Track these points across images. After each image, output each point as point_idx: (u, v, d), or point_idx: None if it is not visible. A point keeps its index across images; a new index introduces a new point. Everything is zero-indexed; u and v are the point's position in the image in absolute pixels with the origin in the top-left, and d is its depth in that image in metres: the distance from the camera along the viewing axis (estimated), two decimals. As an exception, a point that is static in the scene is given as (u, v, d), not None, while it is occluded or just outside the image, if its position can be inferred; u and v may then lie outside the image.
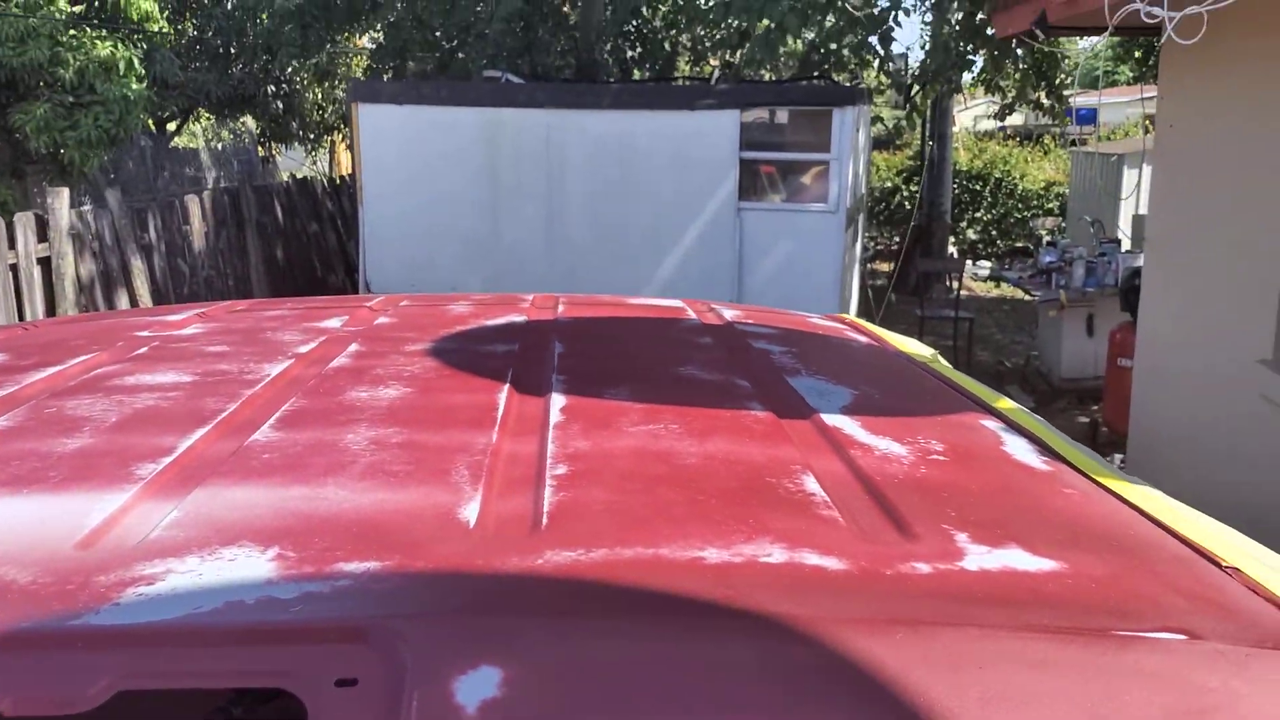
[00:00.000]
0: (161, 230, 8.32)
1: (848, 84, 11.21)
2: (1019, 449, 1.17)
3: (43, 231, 7.08)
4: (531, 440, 1.11)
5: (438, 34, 12.56)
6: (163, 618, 0.70)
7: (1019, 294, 11.52)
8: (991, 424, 1.27)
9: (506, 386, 1.33)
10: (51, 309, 7.06)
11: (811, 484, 0.99)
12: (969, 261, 15.40)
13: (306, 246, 10.88)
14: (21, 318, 6.82)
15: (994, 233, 15.88)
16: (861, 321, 2.04)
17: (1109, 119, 21.05)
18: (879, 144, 18.04)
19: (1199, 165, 4.87)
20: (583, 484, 0.97)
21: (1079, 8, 4.60)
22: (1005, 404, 1.39)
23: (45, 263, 7.06)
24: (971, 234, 15.89)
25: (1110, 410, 7.40)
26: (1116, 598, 0.79)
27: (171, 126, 18.99)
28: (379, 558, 0.80)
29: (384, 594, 0.75)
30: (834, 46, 11.11)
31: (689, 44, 14.32)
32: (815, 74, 11.11)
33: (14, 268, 6.75)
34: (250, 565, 0.78)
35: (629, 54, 13.58)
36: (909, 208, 15.31)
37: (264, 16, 13.19)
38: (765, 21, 8.60)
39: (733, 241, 7.79)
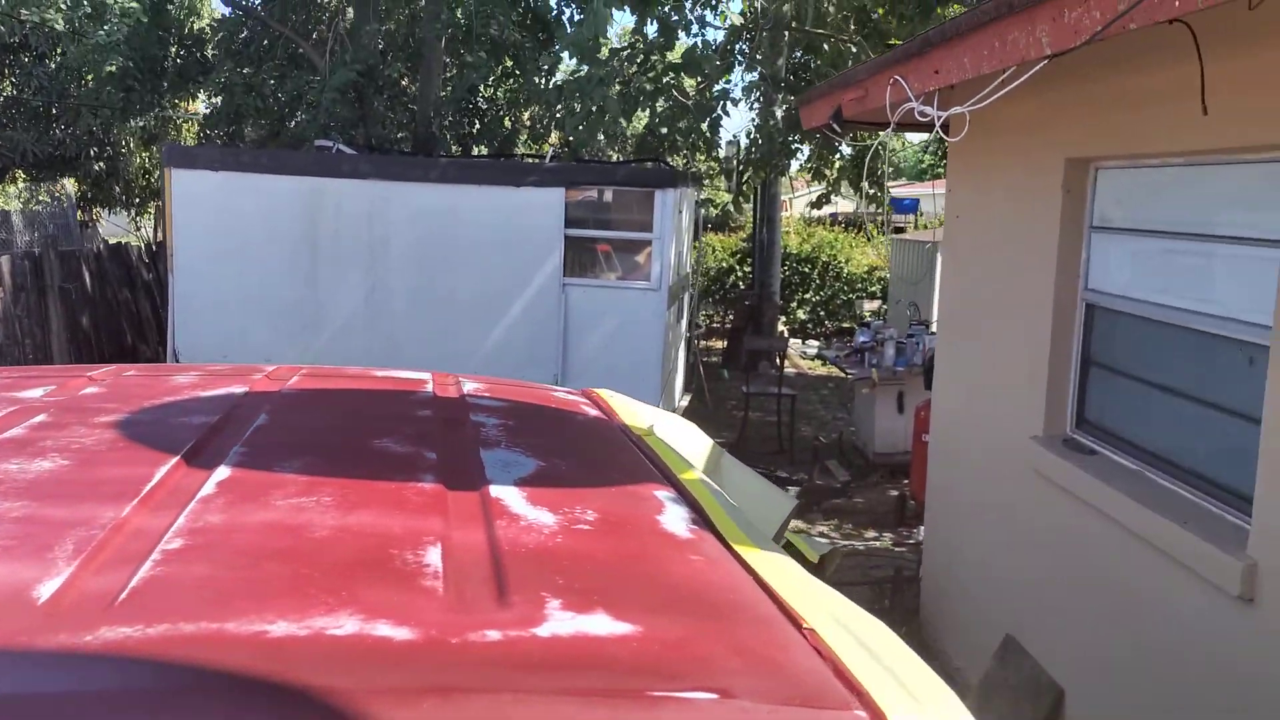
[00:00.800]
0: (-50, 295, 7.83)
1: (679, 166, 11.57)
2: (672, 519, 1.20)
3: None
4: (168, 514, 1.08)
5: (271, 101, 12.38)
6: None
7: (840, 371, 11.94)
8: (662, 495, 1.30)
9: (177, 459, 1.29)
10: None
11: (433, 556, 0.99)
12: (799, 340, 15.95)
13: (116, 314, 10.41)
14: None
15: (822, 313, 16.50)
16: (604, 395, 2.08)
17: (929, 209, 22.31)
18: (715, 226, 18.62)
19: (979, 252, 5.20)
20: (188, 559, 0.95)
21: (866, 105, 4.88)
22: (689, 476, 1.43)
23: None
24: (801, 314, 16.47)
25: (916, 483, 7.71)
26: (670, 659, 0.81)
27: (-17, 187, 18.03)
28: None
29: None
30: (665, 131, 11.46)
31: (528, 122, 14.54)
32: (649, 156, 11.42)
33: None
34: None
35: (468, 129, 13.68)
36: (742, 287, 15.79)
37: (88, 77, 12.74)
38: (590, 105, 8.82)
39: (558, 316, 7.86)
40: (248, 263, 7.94)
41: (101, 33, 11.12)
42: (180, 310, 8.04)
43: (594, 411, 1.88)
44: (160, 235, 19.68)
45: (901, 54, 4.30)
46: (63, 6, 11.55)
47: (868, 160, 10.51)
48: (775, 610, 0.94)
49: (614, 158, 14.40)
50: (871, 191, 12.79)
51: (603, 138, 9.98)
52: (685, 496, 1.31)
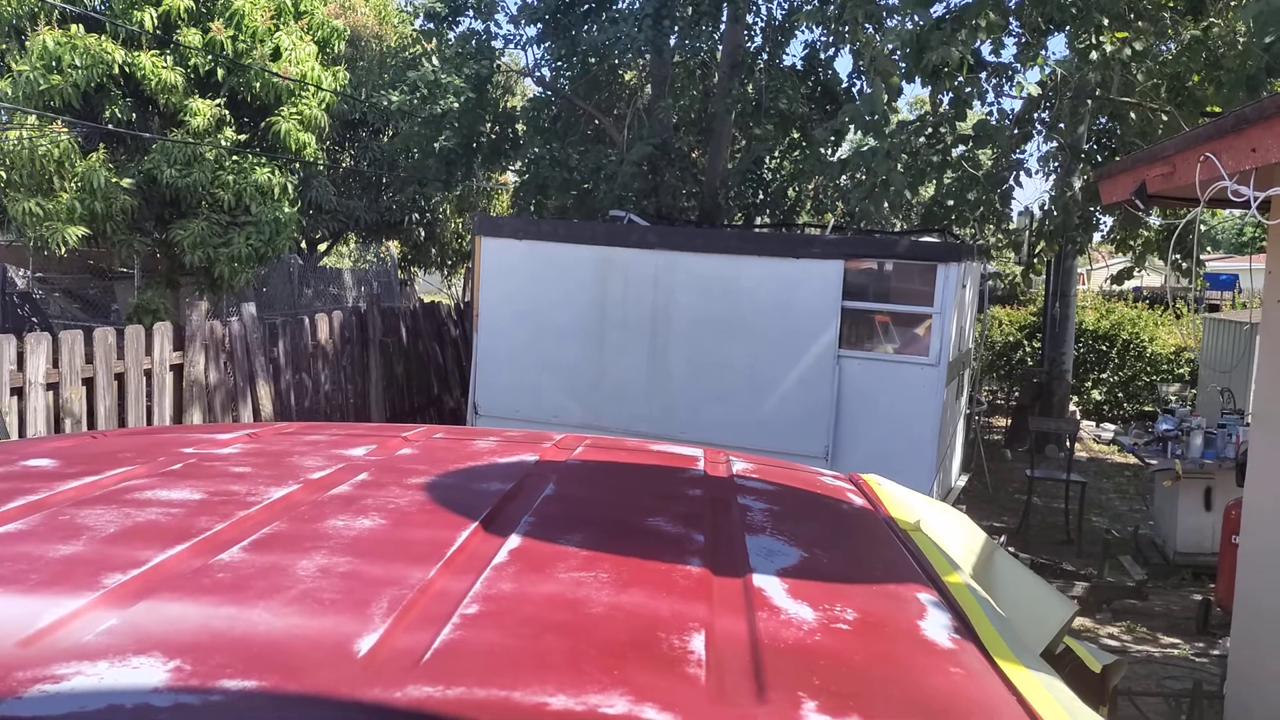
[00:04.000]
0: (290, 345, 8.85)
1: (967, 238, 11.26)
2: (933, 626, 1.20)
3: (179, 340, 7.62)
4: (467, 578, 1.20)
5: (573, 173, 13.20)
6: (49, 712, 0.82)
7: (1138, 460, 11.10)
8: (925, 598, 1.30)
9: (475, 524, 1.43)
10: (179, 414, 7.55)
11: (697, 642, 1.05)
12: (1093, 423, 14.96)
13: (426, 367, 11.35)
14: (150, 422, 7.30)
15: (1120, 395, 15.41)
16: (872, 481, 2.08)
17: (1249, 286, 20.38)
18: (1003, 299, 17.89)
19: (1302, 342, 4.74)
20: (484, 624, 1.06)
21: (1174, 181, 4.61)
22: (954, 579, 1.42)
23: (178, 369, 7.58)
24: (1097, 394, 15.46)
25: (1223, 589, 7.03)
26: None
27: (322, 247, 20.28)
28: (259, 678, 0.90)
29: (243, 711, 0.85)
30: (952, 203, 11.21)
31: (812, 192, 14.65)
32: (935, 227, 11.21)
33: (148, 372, 7.27)
34: (148, 674, 0.89)
35: (753, 199, 13.97)
36: (1030, 363, 15.04)
37: (415, 152, 14.11)
38: (874, 179, 8.79)
39: (831, 387, 7.82)
40: (542, 325, 8.48)
41: (437, 108, 12.30)
42: (481, 366, 8.68)
43: (860, 500, 1.90)
44: (467, 295, 21.31)
45: (1214, 130, 4.04)
46: (405, 90, 12.88)
47: (1178, 231, 9.83)
48: (1034, 733, 0.93)
49: (898, 227, 14.22)
50: (1184, 265, 11.89)
51: (887, 207, 9.91)
52: (949, 601, 1.30)
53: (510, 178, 18.70)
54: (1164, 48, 9.84)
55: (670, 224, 11.32)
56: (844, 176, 10.07)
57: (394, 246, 21.74)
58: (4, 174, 10.68)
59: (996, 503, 10.38)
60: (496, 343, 8.66)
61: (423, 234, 19.09)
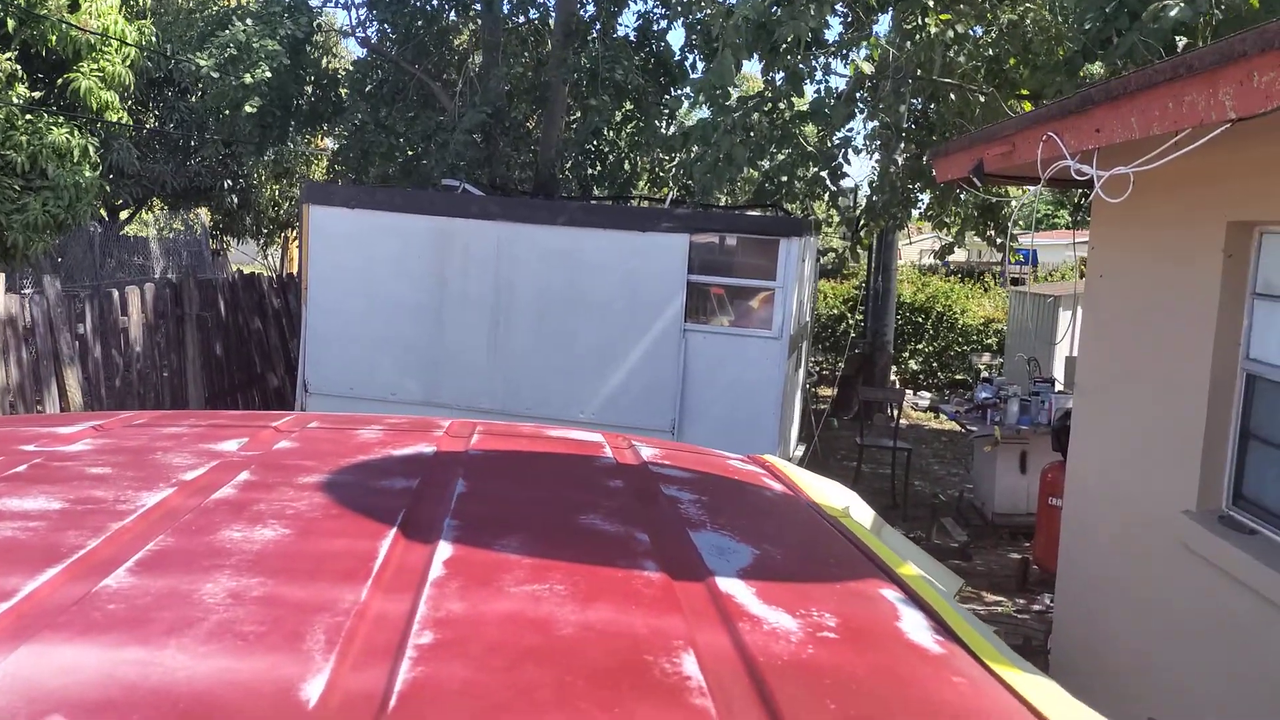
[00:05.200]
0: (97, 321, 8.17)
1: (799, 214, 11.49)
2: (914, 626, 1.13)
3: (-28, 315, 6.92)
4: (404, 598, 1.05)
5: (400, 140, 12.72)
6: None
7: (958, 426, 11.66)
8: (890, 594, 1.23)
9: (394, 531, 1.27)
10: (-28, 395, 6.86)
11: (690, 664, 0.94)
12: (910, 391, 15.63)
13: (247, 342, 10.75)
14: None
15: (935, 365, 16.16)
16: (780, 465, 2.02)
17: (1047, 260, 21.74)
18: (827, 273, 18.43)
19: (1126, 315, 5.00)
20: (444, 657, 0.91)
21: (1012, 160, 4.75)
22: (908, 570, 1.36)
23: (-29, 347, 6.87)
24: (914, 364, 16.15)
25: (1041, 548, 7.43)
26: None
27: (124, 215, 18.93)
28: None
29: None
30: (784, 179, 11.40)
31: (649, 166, 14.64)
32: (768, 202, 11.38)
33: (-64, 351, 6.56)
34: None
35: (589, 172, 13.83)
36: (853, 335, 15.57)
37: (225, 111, 13.28)
38: (716, 153, 8.82)
39: (677, 361, 7.82)
40: (377, 299, 8.12)
41: (247, 77, 11.58)
42: (311, 342, 8.25)
43: (778, 485, 1.82)
44: (289, 266, 20.36)
45: (1058, 110, 4.18)
46: (213, 52, 12.07)
47: (1001, 210, 10.29)
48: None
49: (725, 201, 14.39)
50: (999, 241, 12.49)
51: (725, 182, 9.97)
52: (912, 597, 1.23)
53: (329, 143, 17.90)
54: (982, 31, 10.27)
55: (505, 195, 11.07)
56: (683, 150, 10.05)
57: (204, 214, 20.52)
58: None
59: (828, 470, 10.66)
60: (328, 318, 8.24)
61: (236, 201, 18.07)
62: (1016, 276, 21.00)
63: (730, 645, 1.01)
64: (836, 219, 13.39)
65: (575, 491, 1.62)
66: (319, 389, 8.21)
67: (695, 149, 10.27)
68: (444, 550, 1.21)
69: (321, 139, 17.89)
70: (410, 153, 12.67)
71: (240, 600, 1.01)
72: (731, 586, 1.18)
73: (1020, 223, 12.19)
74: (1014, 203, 12.46)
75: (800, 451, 9.78)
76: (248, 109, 12.31)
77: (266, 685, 0.83)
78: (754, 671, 0.94)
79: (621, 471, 1.75)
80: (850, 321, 16.33)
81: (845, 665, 0.99)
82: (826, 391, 15.16)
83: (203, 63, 12.96)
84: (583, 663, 0.92)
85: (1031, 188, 6.24)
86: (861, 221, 12.02)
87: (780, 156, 11.36)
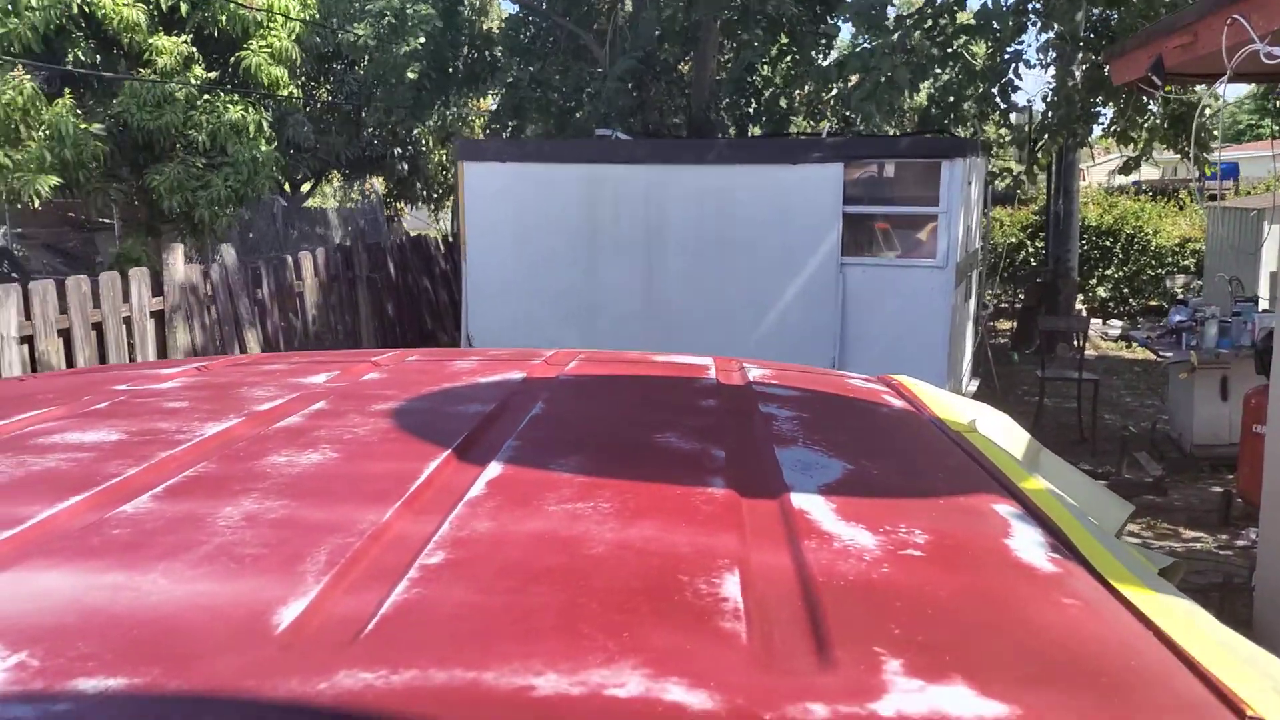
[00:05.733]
0: (274, 286, 8.55)
1: (965, 136, 10.89)
2: (1027, 544, 0.95)
3: (159, 286, 7.33)
4: (432, 519, 0.95)
5: (555, 95, 12.75)
6: None
7: (1151, 354, 10.89)
8: (1005, 510, 1.05)
9: (447, 454, 1.17)
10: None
11: (731, 585, 0.80)
12: (1099, 320, 14.70)
13: (417, 301, 11.06)
14: (133, 369, 7.04)
15: (1126, 290, 15.12)
16: (910, 384, 1.83)
17: (1250, 174, 20.00)
18: (1002, 199, 17.50)
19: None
20: (448, 579, 0.81)
21: (1195, 51, 4.29)
22: (1034, 485, 1.17)
23: (159, 316, 7.29)
24: (1102, 291, 15.17)
25: (1245, 480, 6.83)
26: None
27: (305, 188, 19.82)
28: (131, 673, 0.65)
29: (99, 724, 0.60)
30: (952, 100, 10.83)
31: (805, 100, 14.19)
32: (934, 128, 10.84)
33: (128, 320, 6.99)
34: None
35: (744, 110, 13.51)
36: (1034, 264, 14.75)
37: (392, 81, 13.64)
38: (878, 79, 8.40)
39: (835, 298, 7.54)
40: (533, 250, 8.16)
41: (405, 48, 11.82)
42: (472, 296, 8.39)
43: (899, 402, 1.64)
44: (455, 227, 20.90)
45: (1245, -13, 3.72)
46: (370, 22, 12.36)
47: (1195, 117, 9.46)
48: (1197, 684, 0.69)
49: (893, 133, 13.81)
50: (1194, 153, 11.48)
51: (887, 109, 9.51)
52: (1033, 512, 1.05)
53: (492, 104, 18.17)
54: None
55: (651, 139, 10.93)
56: (841, 80, 9.63)
57: (378, 183, 21.25)
58: (-35, 125, 10.26)
59: (1007, 406, 10.14)
60: (486, 273, 8.35)
61: (406, 168, 18.61)
62: (1214, 192, 19.45)
63: (789, 565, 0.86)
64: (1009, 140, 12.63)
65: (659, 412, 1.49)
66: (481, 342, 8.35)
67: (854, 78, 9.85)
68: (492, 471, 1.11)
69: (481, 101, 18.19)
70: (564, 106, 12.67)
71: (253, 523, 0.93)
72: (808, 503, 1.03)
73: (1216, 132, 11.18)
74: (1207, 110, 11.44)
75: (974, 387, 9.34)
76: (408, 75, 12.60)
77: (240, 610, 0.75)
78: (809, 593, 0.80)
79: (719, 391, 1.61)
80: (1030, 249, 15.47)
81: (923, 585, 0.83)
82: (1005, 325, 14.45)
83: (361, 32, 13.33)
84: (604, 584, 0.80)
85: (1220, 87, 5.64)
86: (1037, 141, 11.30)
87: (945, 77, 10.78)
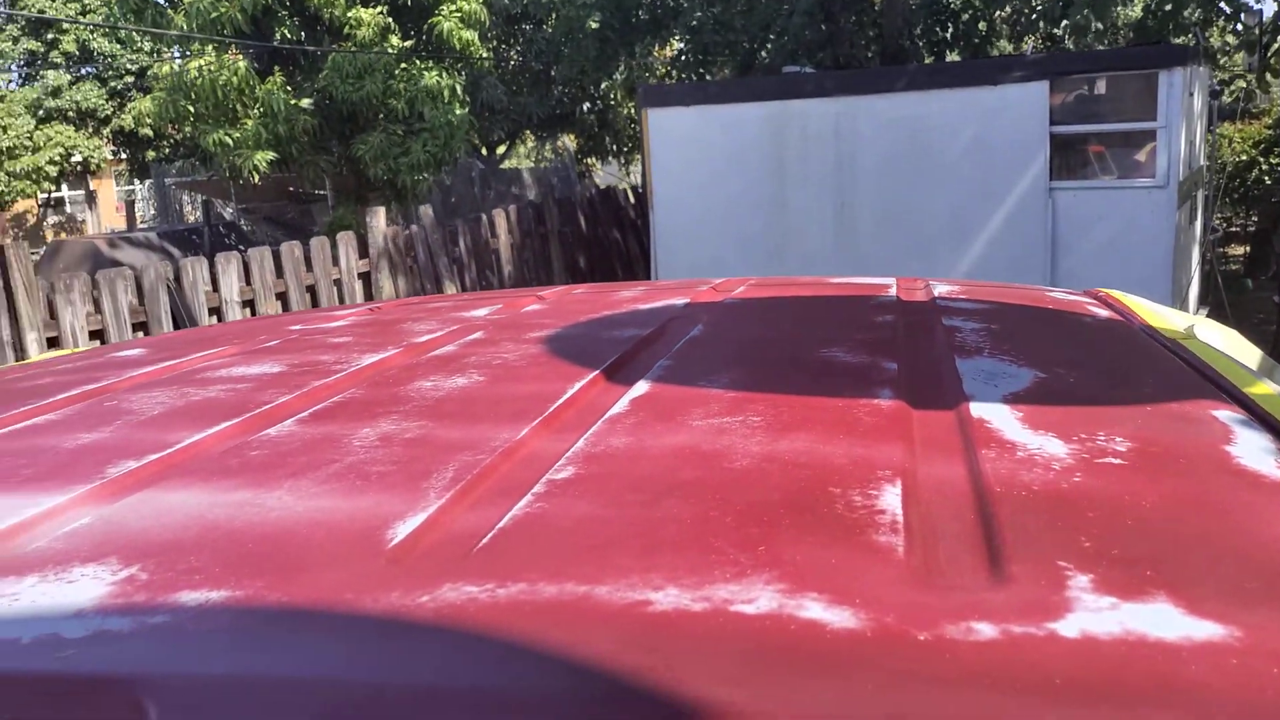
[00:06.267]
0: (470, 244, 8.80)
1: (1185, 45, 9.98)
2: (1251, 450, 0.80)
3: (365, 249, 7.67)
4: (569, 437, 0.89)
5: (739, 36, 12.49)
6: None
7: None
8: (1227, 415, 0.89)
9: (594, 374, 1.12)
10: (372, 320, 7.64)
11: (890, 497, 0.70)
12: (1350, 240, 13.26)
13: (608, 253, 11.17)
14: (344, 328, 7.42)
15: (1381, 207, 13.56)
16: (1122, 297, 1.64)
17: None
18: (1228, 114, 15.99)
19: None
20: (573, 492, 0.74)
21: None
22: (1263, 389, 1.00)
23: (366, 277, 7.64)
24: (1350, 209, 13.67)
25: None
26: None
27: (500, 149, 20.34)
28: (233, 586, 0.61)
29: (195, 636, 0.57)
30: (1171, 6, 9.96)
31: (1008, 20, 13.37)
32: (1152, 40, 10.00)
33: (338, 282, 7.35)
34: (79, 591, 0.62)
35: (940, 36, 12.84)
36: (1268, 183, 13.45)
37: (579, 35, 13.73)
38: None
39: (1044, 226, 7.09)
40: (719, 193, 8.05)
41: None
42: (660, 243, 8.37)
43: (1105, 313, 1.47)
44: (643, 178, 20.98)
45: None
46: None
47: None
48: None
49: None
50: None
51: (1099, 26, 8.82)
52: (1262, 419, 0.89)
53: (675, 47, 18.04)
54: None
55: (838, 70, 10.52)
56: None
57: (569, 140, 21.56)
58: (191, 108, 11.02)
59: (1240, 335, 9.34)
60: (673, 217, 8.30)
61: (596, 124, 18.78)
62: None
63: (962, 475, 0.75)
64: (1236, 46, 11.50)
65: (829, 330, 1.38)
66: (672, 290, 8.34)
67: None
68: (639, 389, 1.04)
69: (664, 48, 18.09)
70: (748, 47, 12.39)
71: (387, 443, 0.90)
72: (990, 412, 0.90)
73: None
74: None
75: (1203, 314, 8.61)
76: (590, 25, 12.63)
77: (354, 526, 0.71)
78: (984, 505, 0.69)
79: (899, 308, 1.48)
80: (1263, 167, 14.11)
81: (1122, 495, 0.70)
82: (1237, 250, 13.28)
83: (547, -11, 13.45)
84: (744, 497, 0.71)
85: None
86: (1270, 46, 10.22)
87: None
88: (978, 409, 0.91)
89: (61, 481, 0.85)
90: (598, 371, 1.13)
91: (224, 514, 0.74)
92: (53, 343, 5.54)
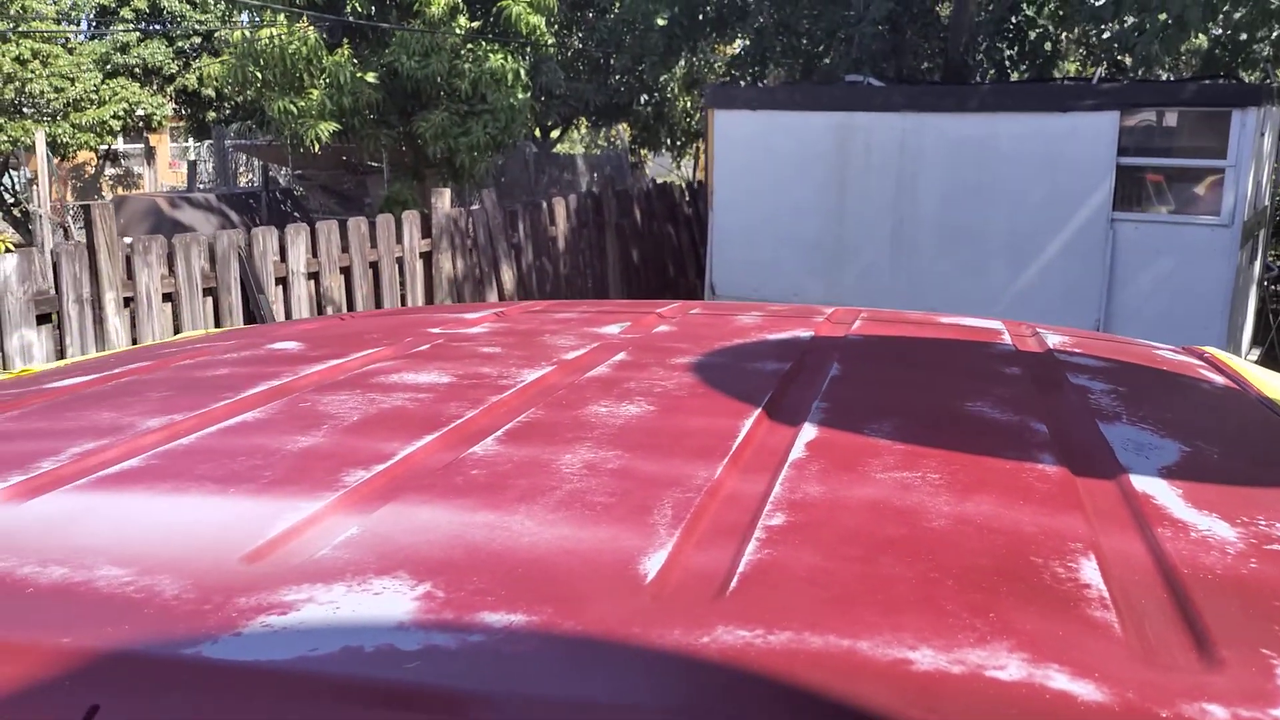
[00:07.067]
0: (529, 230, 8.90)
1: (1256, 82, 9.90)
2: None
3: (426, 228, 7.78)
4: (760, 478, 0.97)
5: (802, 39, 12.50)
6: (269, 658, 0.64)
7: None
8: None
9: (758, 411, 1.20)
10: (430, 299, 7.76)
11: (1090, 571, 0.78)
12: None
13: (661, 247, 11.24)
14: (404, 304, 7.53)
15: None
16: (1223, 356, 1.70)
17: None
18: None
19: None
20: (795, 541, 0.82)
21: None
22: (1402, 480, 1.06)
23: (427, 257, 7.75)
24: None
25: None
26: None
27: (555, 134, 20.44)
28: (527, 610, 0.70)
29: (510, 658, 0.65)
30: (1244, 38, 9.88)
31: (1075, 42, 13.30)
32: (1219, 73, 9.93)
33: (400, 260, 7.47)
34: (392, 602, 0.71)
35: (1005, 54, 12.79)
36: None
37: (642, 28, 13.77)
38: (1163, 16, 7.76)
39: (1103, 255, 7.10)
40: (780, 199, 8.11)
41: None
42: (718, 244, 8.44)
43: (1219, 378, 1.53)
44: (698, 175, 20.99)
45: None
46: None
47: None
48: None
49: (1166, 79, 12.73)
50: None
51: (1173, 54, 8.75)
52: None
53: (736, 49, 18.04)
54: None
55: (913, 85, 10.52)
56: (1116, 20, 8.96)
57: (624, 130, 21.62)
58: (259, 74, 11.18)
59: (1291, 379, 9.27)
60: (732, 219, 8.37)
61: (652, 115, 18.82)
62: None
63: (1146, 553, 0.83)
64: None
65: (962, 378, 1.45)
66: (725, 290, 8.40)
67: (1131, 18, 9.14)
68: (808, 432, 1.12)
69: (728, 45, 18.10)
70: (810, 50, 12.40)
71: (595, 472, 0.98)
72: (1150, 486, 0.98)
73: None
74: None
75: (1254, 356, 8.58)
76: (659, 21, 12.68)
77: (607, 556, 0.79)
78: (1175, 584, 0.76)
79: (1020, 358, 1.55)
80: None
81: (1304, 586, 0.77)
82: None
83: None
84: (953, 559, 0.79)
85: None
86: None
87: (1237, 15, 9.83)
88: (1138, 482, 0.99)
89: (306, 487, 0.94)
90: (759, 409, 1.21)
91: (480, 535, 0.83)
92: (128, 302, 5.69)
